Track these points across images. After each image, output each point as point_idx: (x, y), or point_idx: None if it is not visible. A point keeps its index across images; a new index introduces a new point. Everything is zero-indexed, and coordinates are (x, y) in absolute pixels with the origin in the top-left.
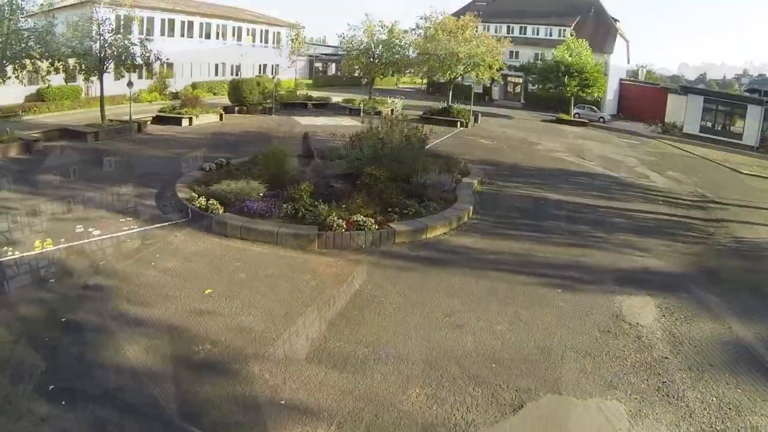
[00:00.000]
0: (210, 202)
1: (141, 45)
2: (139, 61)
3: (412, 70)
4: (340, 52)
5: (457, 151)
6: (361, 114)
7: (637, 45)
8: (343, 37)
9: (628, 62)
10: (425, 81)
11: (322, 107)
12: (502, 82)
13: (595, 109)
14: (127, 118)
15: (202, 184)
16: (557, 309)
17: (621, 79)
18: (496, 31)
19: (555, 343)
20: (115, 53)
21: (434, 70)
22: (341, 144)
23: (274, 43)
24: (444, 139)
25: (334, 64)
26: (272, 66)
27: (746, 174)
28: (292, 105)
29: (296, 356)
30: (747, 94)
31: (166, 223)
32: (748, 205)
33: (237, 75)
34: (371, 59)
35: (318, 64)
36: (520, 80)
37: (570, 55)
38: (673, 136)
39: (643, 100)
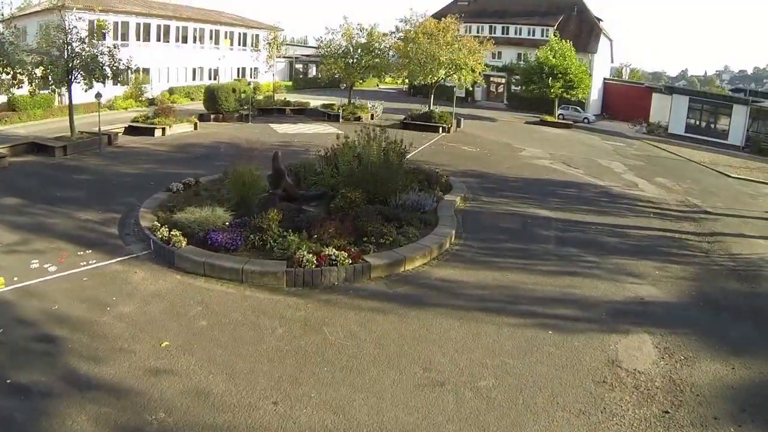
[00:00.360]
0: (173, 233)
1: (110, 54)
2: (108, 72)
3: (393, 75)
4: (321, 53)
5: (439, 161)
6: (340, 120)
7: (619, 43)
8: (321, 41)
9: (612, 61)
10: (407, 82)
11: (301, 113)
12: (485, 84)
13: (579, 109)
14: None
15: (167, 209)
16: (548, 356)
17: (605, 79)
18: (478, 31)
19: (546, 401)
20: (83, 64)
21: (415, 75)
22: (316, 158)
23: (252, 45)
24: (425, 147)
25: (314, 66)
26: (251, 69)
27: (734, 178)
28: (269, 111)
29: (260, 426)
30: (732, 94)
31: (126, 257)
32: (740, 214)
33: (215, 79)
34: (350, 63)
35: (298, 66)
36: (503, 80)
37: (554, 57)
38: (659, 136)
39: (628, 100)
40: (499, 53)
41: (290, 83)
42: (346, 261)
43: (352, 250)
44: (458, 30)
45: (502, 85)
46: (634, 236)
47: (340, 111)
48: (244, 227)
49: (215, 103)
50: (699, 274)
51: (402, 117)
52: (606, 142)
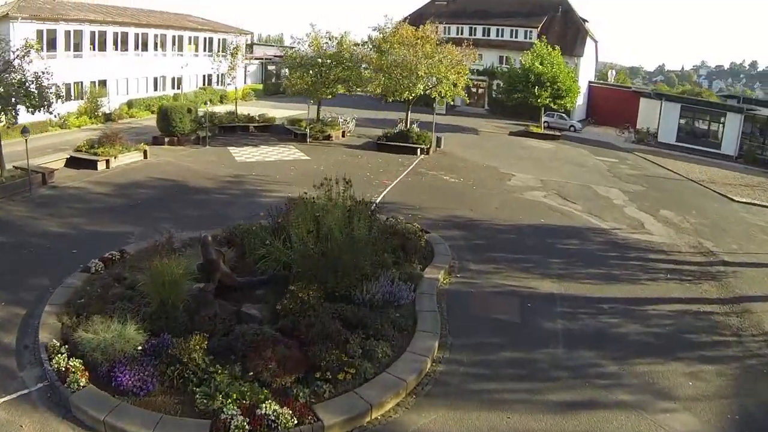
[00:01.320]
0: (71, 363)
1: (36, 81)
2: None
3: (365, 90)
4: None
5: (417, 201)
6: (308, 139)
7: (600, 41)
8: (286, 51)
9: (597, 63)
10: None
11: (266, 130)
12: (467, 99)
13: (565, 116)
14: (42, 157)
15: (74, 311)
16: None
17: (590, 82)
18: (457, 33)
19: None
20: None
21: (389, 90)
22: (265, 224)
23: (219, 51)
24: (402, 179)
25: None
26: (218, 76)
27: (738, 202)
28: (232, 128)
29: None
30: (725, 102)
31: (15, 394)
32: (760, 262)
33: (179, 88)
34: (318, 76)
35: (272, 67)
36: (484, 85)
37: (541, 63)
38: (649, 145)
39: (614, 104)
40: (480, 56)
41: (261, 86)
42: (290, 422)
43: (300, 396)
44: (437, 38)
45: (482, 89)
46: (655, 317)
47: (308, 130)
48: (161, 354)
49: (169, 125)
50: (737, 380)
51: (377, 133)
52: (598, 158)
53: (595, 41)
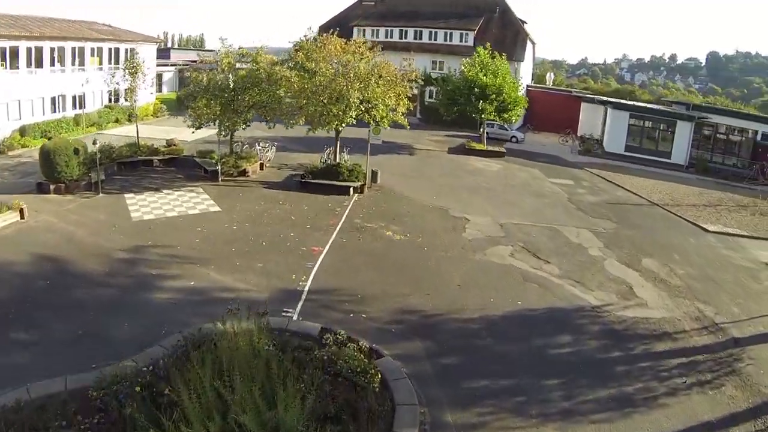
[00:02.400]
0: None
1: None
2: None
3: (287, 121)
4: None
5: (357, 284)
6: (220, 177)
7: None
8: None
9: (533, 65)
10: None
11: (172, 164)
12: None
13: (506, 126)
14: None
15: None
16: None
17: (528, 86)
18: (387, 36)
19: None
20: None
21: (315, 120)
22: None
23: (127, 61)
24: (334, 241)
25: (205, 75)
26: (125, 91)
27: (712, 232)
28: (133, 164)
29: None
30: (675, 110)
31: None
32: None
33: (81, 108)
34: (228, 102)
35: (189, 74)
36: (416, 91)
37: (485, 74)
38: (597, 156)
39: (554, 110)
40: (411, 60)
41: (176, 95)
42: None
43: None
44: (371, 54)
45: (415, 96)
46: None
47: (219, 165)
48: None
49: (53, 170)
50: None
51: (301, 160)
52: (552, 180)
53: (533, 43)
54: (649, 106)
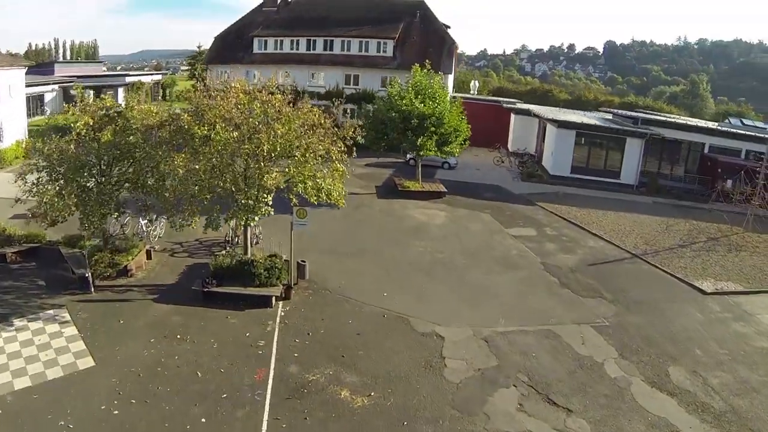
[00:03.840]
0: None
1: None
2: None
3: (181, 223)
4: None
5: None
6: (93, 286)
7: None
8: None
9: (454, 72)
10: None
11: (32, 257)
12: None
13: None
14: None
15: None
16: None
17: (452, 97)
18: (292, 47)
19: None
20: None
21: (212, 213)
22: None
23: None
24: None
25: (99, 92)
26: None
27: (710, 294)
28: None
29: None
30: (625, 126)
31: None
32: None
33: None
34: (89, 189)
35: (76, 92)
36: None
37: (422, 101)
38: (541, 180)
39: (482, 121)
40: (319, 75)
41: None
42: None
43: None
44: (289, 98)
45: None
46: None
47: (90, 273)
48: None
49: None
50: None
51: (201, 234)
52: (512, 232)
53: (457, 48)
54: (596, 123)
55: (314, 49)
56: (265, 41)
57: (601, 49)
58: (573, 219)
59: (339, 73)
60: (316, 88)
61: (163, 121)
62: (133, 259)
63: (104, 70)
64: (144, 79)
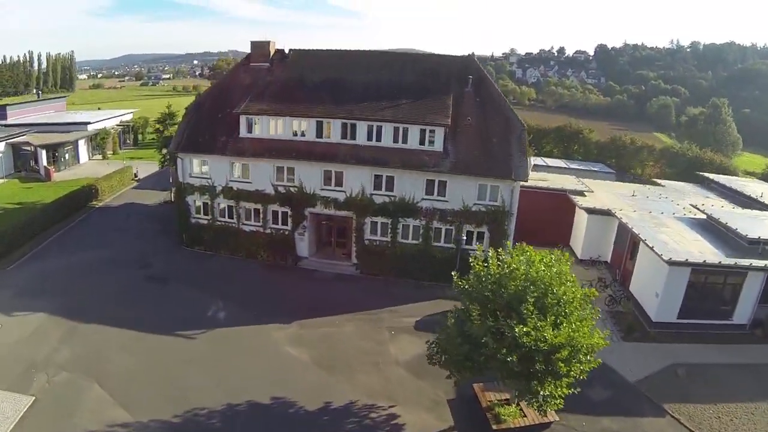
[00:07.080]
0: None
1: None
2: None
3: None
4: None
5: None
6: None
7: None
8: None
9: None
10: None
11: None
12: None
13: None
14: None
15: None
16: None
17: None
18: (296, 133)
19: None
20: None
21: None
22: None
23: None
24: None
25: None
26: None
27: None
28: None
29: None
30: (747, 262)
31: None
32: None
33: None
34: None
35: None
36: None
37: (552, 322)
38: (644, 336)
39: (538, 211)
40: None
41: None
42: None
43: None
44: None
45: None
46: None
47: None
48: None
49: None
50: None
51: None
52: None
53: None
54: (718, 257)
55: (328, 135)
56: (255, 121)
57: (591, 53)
58: None
59: (365, 173)
60: (333, 193)
61: None
62: None
63: (64, 108)
64: (109, 123)
